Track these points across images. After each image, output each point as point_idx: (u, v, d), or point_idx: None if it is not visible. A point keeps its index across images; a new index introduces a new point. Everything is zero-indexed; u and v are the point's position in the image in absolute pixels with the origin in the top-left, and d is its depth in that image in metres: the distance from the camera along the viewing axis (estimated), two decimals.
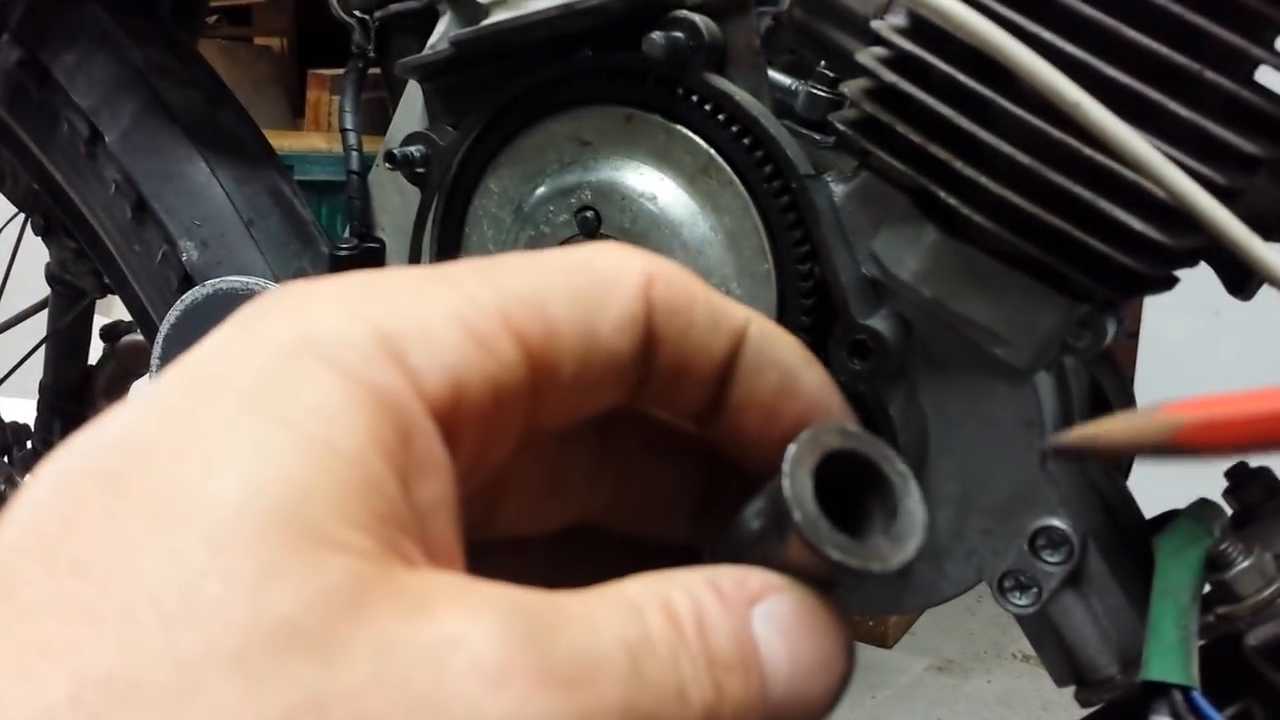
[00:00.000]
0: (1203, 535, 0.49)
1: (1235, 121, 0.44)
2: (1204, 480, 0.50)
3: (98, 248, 0.82)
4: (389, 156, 0.60)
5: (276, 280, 0.67)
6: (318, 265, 0.77)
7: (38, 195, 0.93)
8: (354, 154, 0.66)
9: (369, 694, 0.22)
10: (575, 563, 0.33)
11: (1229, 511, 0.51)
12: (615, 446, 0.33)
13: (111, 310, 1.23)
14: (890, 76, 0.46)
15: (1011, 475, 0.51)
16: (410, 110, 0.62)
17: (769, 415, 0.31)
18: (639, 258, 0.29)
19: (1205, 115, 0.43)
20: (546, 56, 0.55)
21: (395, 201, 0.65)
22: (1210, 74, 0.43)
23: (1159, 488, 0.56)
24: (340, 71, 0.70)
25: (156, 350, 0.70)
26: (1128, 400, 0.56)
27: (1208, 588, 0.48)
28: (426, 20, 0.62)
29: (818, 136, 0.53)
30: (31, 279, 1.11)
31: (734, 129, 0.52)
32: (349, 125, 0.68)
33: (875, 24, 0.48)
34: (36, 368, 1.18)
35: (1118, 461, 0.28)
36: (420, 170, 0.60)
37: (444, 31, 0.60)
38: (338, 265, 0.65)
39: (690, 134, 0.53)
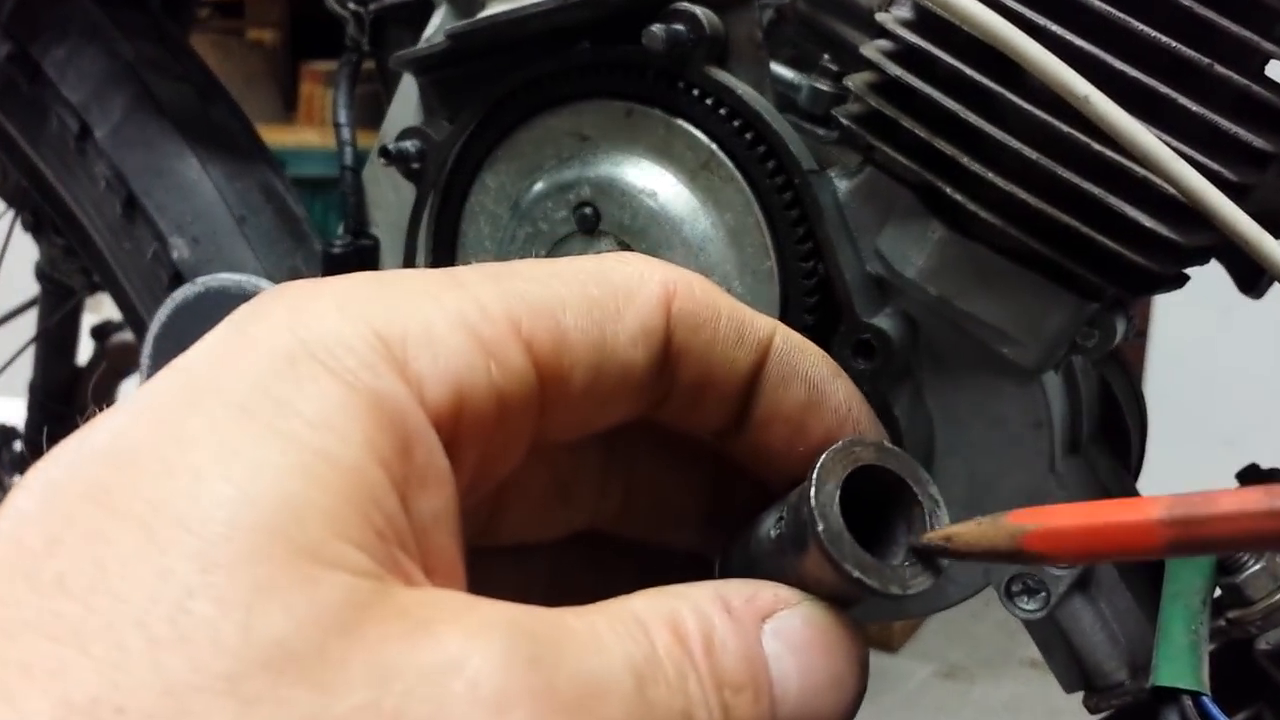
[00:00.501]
0: None
1: (1246, 117, 0.44)
2: (1213, 482, 0.49)
3: (87, 245, 0.81)
4: (384, 152, 0.60)
5: (269, 278, 0.67)
6: (310, 263, 0.76)
7: (27, 191, 0.92)
8: (348, 149, 0.66)
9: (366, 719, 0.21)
10: (580, 570, 0.33)
11: None
12: (625, 453, 0.32)
13: (101, 308, 1.22)
14: (895, 70, 0.46)
15: (1019, 476, 0.50)
16: (405, 105, 0.61)
17: (795, 430, 0.30)
18: (659, 269, 0.29)
19: (1215, 110, 0.43)
20: (544, 50, 0.55)
21: (390, 198, 0.64)
22: (1220, 69, 0.43)
23: (1169, 490, 0.55)
24: (334, 65, 0.69)
25: (146, 349, 0.69)
26: (1137, 400, 0.56)
27: (1218, 592, 0.47)
28: (421, 13, 0.61)
29: (821, 131, 0.53)
30: (20, 277, 1.10)
31: (736, 124, 0.51)
32: (343, 120, 0.67)
33: (880, 16, 0.48)
34: (24, 367, 1.17)
35: (976, 561, 0.29)
36: (415, 166, 0.59)
37: (439, 24, 0.59)
38: (331, 262, 0.65)
39: (691, 129, 0.53)
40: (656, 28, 0.51)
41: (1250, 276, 0.50)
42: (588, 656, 0.24)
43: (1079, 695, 0.53)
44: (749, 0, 0.52)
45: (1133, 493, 0.55)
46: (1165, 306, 2.07)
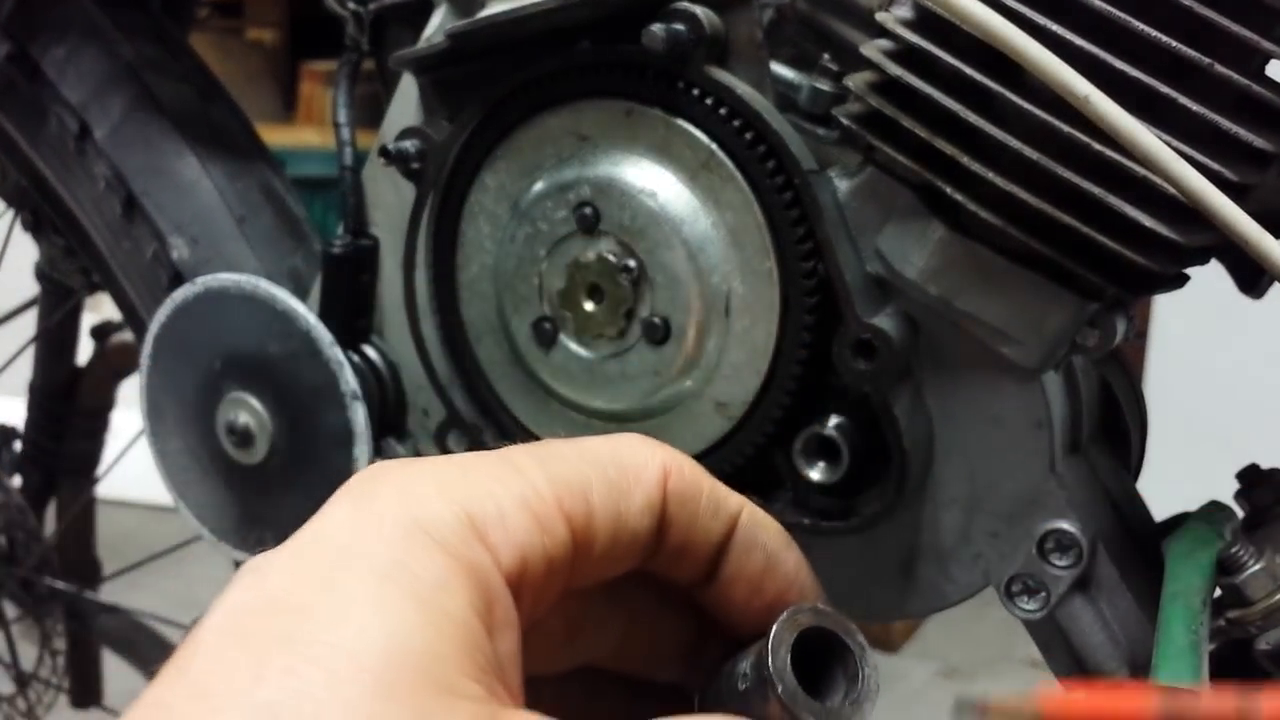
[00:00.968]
0: (1213, 538, 0.48)
1: (1246, 116, 0.44)
2: (1214, 483, 0.49)
3: (87, 245, 0.81)
4: (383, 152, 0.59)
5: (269, 278, 0.67)
6: (310, 263, 0.76)
7: (26, 191, 0.92)
8: (347, 149, 0.66)
9: None
10: (581, 698, 0.40)
11: (1240, 514, 0.50)
12: (623, 600, 0.39)
13: (101, 308, 1.22)
14: (896, 70, 0.46)
15: (1019, 477, 0.50)
16: (405, 104, 0.61)
17: (753, 589, 0.38)
18: (659, 452, 0.36)
19: (1216, 110, 0.43)
20: (544, 49, 0.55)
21: (390, 198, 0.64)
22: (1220, 68, 0.43)
23: (1169, 490, 0.55)
24: (334, 65, 0.69)
25: (146, 349, 0.69)
26: (1137, 400, 0.56)
27: (1218, 592, 0.47)
28: (421, 12, 0.61)
29: (821, 131, 0.52)
30: (20, 277, 1.10)
31: (736, 123, 0.51)
32: (342, 120, 0.67)
33: (880, 16, 0.48)
34: (24, 367, 1.17)
35: None
36: (415, 166, 0.59)
37: (439, 24, 0.59)
38: (330, 262, 0.65)
39: (691, 128, 0.52)
40: (656, 27, 0.51)
41: (1250, 276, 0.50)
42: None
43: None
44: (749, 0, 0.52)
45: (1132, 493, 0.55)
46: (1165, 306, 2.06)
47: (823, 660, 0.36)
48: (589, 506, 0.34)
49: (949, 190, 0.46)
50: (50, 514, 1.18)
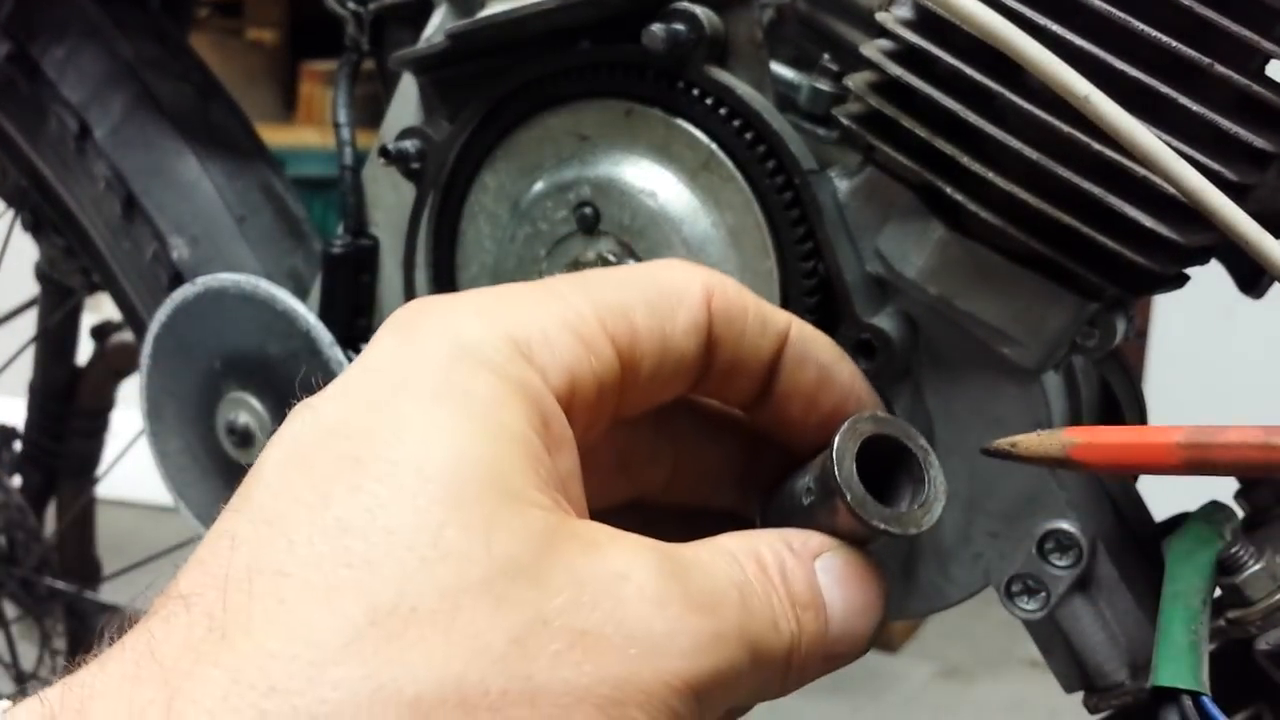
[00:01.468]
0: (1213, 538, 0.48)
1: (1246, 116, 0.44)
2: (1215, 483, 0.49)
3: (87, 245, 0.81)
4: (383, 152, 0.59)
5: (269, 278, 0.67)
6: (310, 263, 0.76)
7: (26, 191, 0.92)
8: (347, 149, 0.66)
9: (572, 612, 0.29)
10: (636, 531, 0.39)
11: (1240, 514, 0.50)
12: (672, 430, 0.39)
13: (101, 308, 1.22)
14: (896, 70, 0.46)
15: (1019, 477, 0.50)
16: (405, 104, 0.61)
17: (809, 404, 0.38)
18: (700, 273, 0.36)
19: (1216, 110, 0.43)
20: (544, 49, 0.55)
21: (390, 198, 0.64)
22: (1220, 68, 0.43)
23: (1169, 490, 0.55)
24: (334, 65, 0.69)
25: (146, 349, 0.69)
26: (1137, 400, 0.56)
27: (1218, 592, 0.47)
28: (421, 12, 0.61)
29: (821, 131, 0.53)
30: (20, 277, 1.10)
31: (736, 123, 0.51)
32: (342, 120, 0.67)
33: (880, 16, 0.48)
34: (24, 367, 1.17)
35: (1033, 465, 0.38)
36: (415, 166, 0.59)
37: (439, 24, 0.59)
38: (330, 262, 0.65)
39: (691, 128, 0.53)
40: (656, 27, 0.51)
41: (1250, 276, 0.50)
42: (705, 575, 0.31)
43: (1079, 695, 0.53)
44: (749, 0, 0.52)
45: (1132, 493, 0.55)
46: (1165, 306, 2.06)
47: (887, 468, 0.36)
48: (633, 327, 0.34)
49: (949, 190, 0.46)
50: (50, 514, 1.18)
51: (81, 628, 1.15)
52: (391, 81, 0.63)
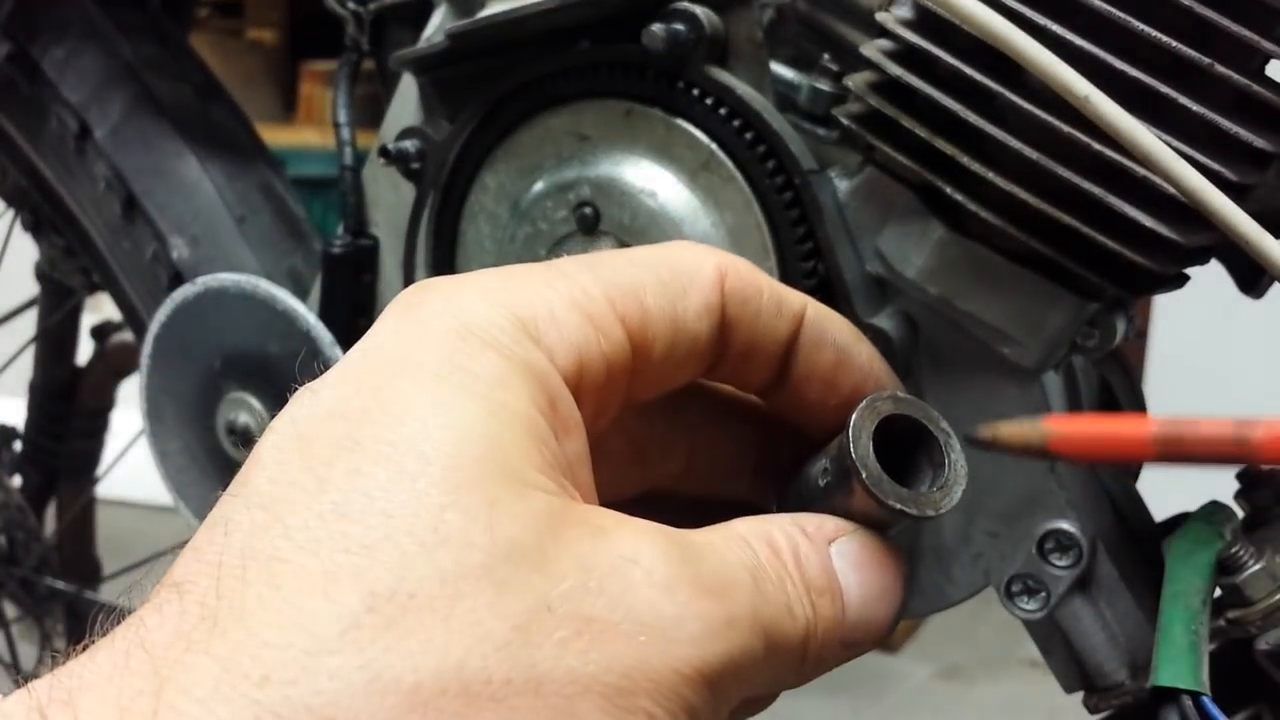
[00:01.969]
0: (1213, 538, 0.48)
1: (1246, 116, 0.44)
2: (1215, 483, 0.49)
3: (87, 245, 0.81)
4: (383, 152, 0.59)
5: (269, 278, 0.67)
6: (310, 262, 0.76)
7: (26, 191, 0.92)
8: (347, 149, 0.66)
9: (578, 597, 0.28)
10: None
11: (1240, 514, 0.50)
12: (685, 419, 0.38)
13: (101, 308, 1.22)
14: (896, 70, 0.46)
15: (1019, 477, 0.50)
16: (405, 104, 0.61)
17: (827, 386, 0.37)
18: (713, 254, 0.35)
19: (1216, 110, 0.43)
20: (544, 49, 0.55)
21: (390, 198, 0.64)
22: (1220, 68, 0.43)
23: (1169, 490, 0.55)
24: (334, 65, 0.69)
25: (146, 349, 0.69)
26: (1137, 400, 0.56)
27: (1218, 592, 0.47)
28: (421, 12, 0.61)
29: (821, 131, 0.53)
30: (20, 277, 1.10)
31: (736, 123, 0.51)
32: (342, 120, 0.67)
33: (880, 16, 0.48)
34: (24, 367, 1.16)
35: (1014, 454, 0.36)
36: (415, 166, 0.59)
37: (439, 24, 0.59)
38: (330, 262, 0.65)
39: (691, 128, 0.53)
40: (656, 27, 0.51)
41: (1250, 276, 0.50)
42: (716, 559, 0.30)
43: (1079, 695, 0.53)
44: (749, 0, 0.52)
45: (1132, 493, 0.55)
46: (1165, 306, 2.06)
47: (907, 452, 0.35)
48: (643, 307, 0.33)
49: (949, 190, 0.46)
50: (50, 514, 1.18)
51: (81, 627, 1.15)
52: (391, 81, 0.63)
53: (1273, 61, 0.45)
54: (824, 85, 0.53)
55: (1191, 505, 0.52)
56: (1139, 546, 0.53)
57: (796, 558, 0.32)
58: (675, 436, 0.39)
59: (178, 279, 0.74)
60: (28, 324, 1.15)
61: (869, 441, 0.33)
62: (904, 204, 0.49)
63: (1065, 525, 0.50)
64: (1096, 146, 0.42)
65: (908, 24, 0.46)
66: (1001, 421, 0.35)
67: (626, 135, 0.54)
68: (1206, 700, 0.43)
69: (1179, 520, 0.53)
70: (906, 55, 0.46)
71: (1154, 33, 0.42)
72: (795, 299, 0.36)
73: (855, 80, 0.48)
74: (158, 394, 0.69)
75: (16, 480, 1.14)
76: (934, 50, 0.45)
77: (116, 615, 0.29)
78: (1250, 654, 0.47)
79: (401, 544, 0.27)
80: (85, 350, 1.18)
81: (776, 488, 0.39)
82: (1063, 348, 0.48)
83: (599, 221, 0.54)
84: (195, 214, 0.76)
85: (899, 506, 0.33)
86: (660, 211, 0.53)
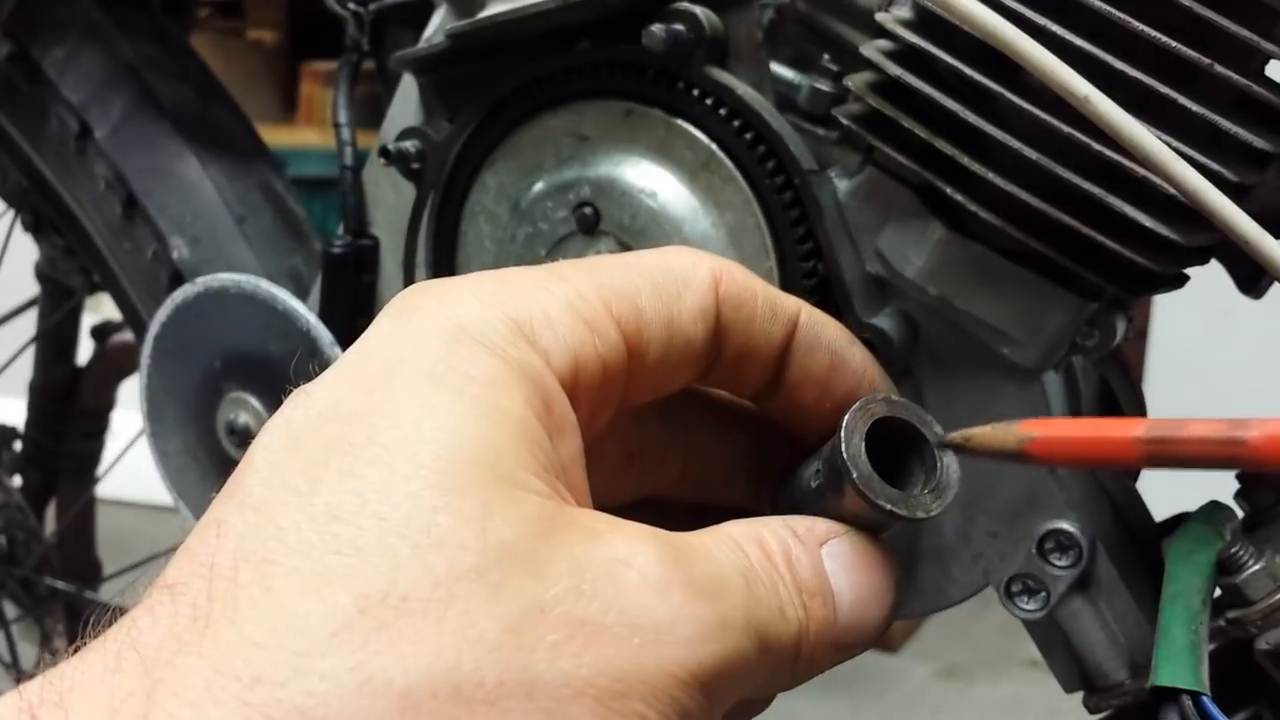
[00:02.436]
0: (1213, 538, 0.48)
1: (1246, 116, 0.44)
2: (1215, 483, 0.49)
3: (87, 245, 0.81)
4: (383, 152, 0.59)
5: (269, 278, 0.67)
6: (310, 263, 0.76)
7: (26, 191, 0.92)
8: (348, 149, 0.66)
9: (571, 601, 0.28)
10: None
11: (1240, 514, 0.50)
12: (681, 425, 0.38)
13: (102, 309, 1.22)
14: (895, 70, 0.46)
15: (1019, 477, 0.50)
16: (405, 105, 0.61)
17: (822, 390, 0.37)
18: (707, 259, 0.35)
19: (1215, 110, 0.43)
20: (544, 50, 0.55)
21: (390, 198, 0.64)
22: (1220, 69, 0.43)
23: (1169, 490, 0.55)
24: (334, 66, 0.69)
25: (147, 349, 0.69)
26: (1137, 400, 0.56)
27: (1218, 592, 0.47)
28: (422, 13, 0.61)
29: (821, 131, 0.52)
30: (21, 277, 1.10)
31: (736, 123, 0.51)
32: (343, 120, 0.67)
33: (880, 16, 0.48)
34: (24, 367, 1.17)
35: (990, 458, 0.35)
36: (415, 166, 0.59)
37: (439, 24, 0.59)
38: (331, 263, 0.65)
39: (691, 129, 0.53)
40: (656, 28, 0.51)
41: (1250, 276, 0.50)
42: (709, 561, 0.30)
43: (1079, 695, 0.53)
44: (749, 1, 0.52)
45: (1132, 493, 0.55)
46: (1165, 306, 2.06)
47: (899, 453, 0.35)
48: (639, 311, 0.33)
49: (949, 190, 0.46)
50: (51, 514, 1.18)
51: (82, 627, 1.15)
52: (392, 82, 0.63)
53: (1272, 62, 0.45)
54: (824, 85, 0.53)
55: (1191, 505, 0.52)
56: (1139, 546, 0.53)
57: (788, 560, 0.32)
58: (671, 442, 0.39)
59: (178, 279, 0.74)
60: (28, 324, 1.15)
61: (861, 442, 0.33)
62: (904, 204, 0.49)
63: (1065, 525, 0.50)
64: (1096, 147, 0.42)
65: (907, 24, 0.46)
66: (974, 428, 0.34)
67: (626, 135, 0.54)
68: (1206, 700, 0.43)
69: (1179, 520, 0.53)
70: (906, 55, 0.46)
71: (1154, 33, 0.42)
72: (789, 304, 0.36)
73: (855, 80, 0.48)
74: (158, 394, 0.69)
75: (17, 480, 1.14)
76: (934, 51, 0.45)
77: (110, 616, 0.29)
78: (1250, 654, 0.47)
79: (394, 546, 0.27)
80: (86, 350, 1.18)
81: (770, 490, 0.39)
82: (1062, 348, 0.48)
83: (599, 222, 0.54)
84: (195, 214, 0.76)
85: (889, 508, 0.33)
86: (660, 211, 0.53)
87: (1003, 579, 0.51)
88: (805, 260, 0.51)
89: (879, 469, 0.33)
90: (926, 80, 0.45)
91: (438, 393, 0.29)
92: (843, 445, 0.33)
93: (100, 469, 1.19)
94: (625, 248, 0.54)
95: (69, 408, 1.16)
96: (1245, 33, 0.43)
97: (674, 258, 0.35)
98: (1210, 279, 0.51)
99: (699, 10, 0.51)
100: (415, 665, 0.26)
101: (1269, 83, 0.45)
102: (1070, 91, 0.41)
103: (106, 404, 1.19)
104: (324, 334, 0.63)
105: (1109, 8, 0.42)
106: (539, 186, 0.56)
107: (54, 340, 1.15)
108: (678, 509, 0.40)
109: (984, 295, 0.47)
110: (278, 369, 0.65)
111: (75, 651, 0.28)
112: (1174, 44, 0.42)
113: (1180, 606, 0.45)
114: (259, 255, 0.75)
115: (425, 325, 0.31)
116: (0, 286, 1.11)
